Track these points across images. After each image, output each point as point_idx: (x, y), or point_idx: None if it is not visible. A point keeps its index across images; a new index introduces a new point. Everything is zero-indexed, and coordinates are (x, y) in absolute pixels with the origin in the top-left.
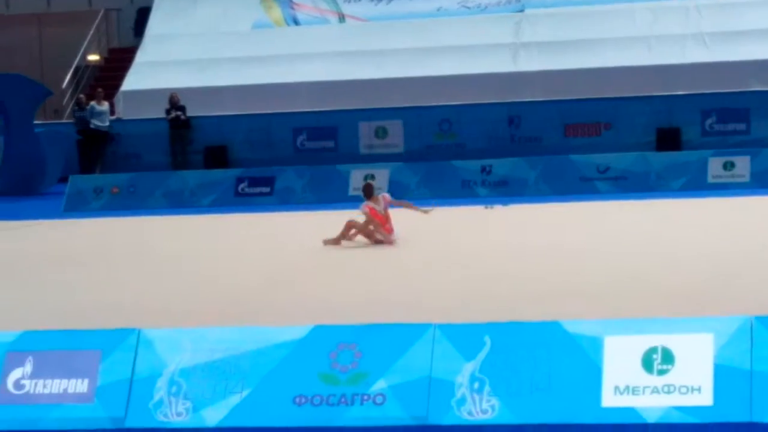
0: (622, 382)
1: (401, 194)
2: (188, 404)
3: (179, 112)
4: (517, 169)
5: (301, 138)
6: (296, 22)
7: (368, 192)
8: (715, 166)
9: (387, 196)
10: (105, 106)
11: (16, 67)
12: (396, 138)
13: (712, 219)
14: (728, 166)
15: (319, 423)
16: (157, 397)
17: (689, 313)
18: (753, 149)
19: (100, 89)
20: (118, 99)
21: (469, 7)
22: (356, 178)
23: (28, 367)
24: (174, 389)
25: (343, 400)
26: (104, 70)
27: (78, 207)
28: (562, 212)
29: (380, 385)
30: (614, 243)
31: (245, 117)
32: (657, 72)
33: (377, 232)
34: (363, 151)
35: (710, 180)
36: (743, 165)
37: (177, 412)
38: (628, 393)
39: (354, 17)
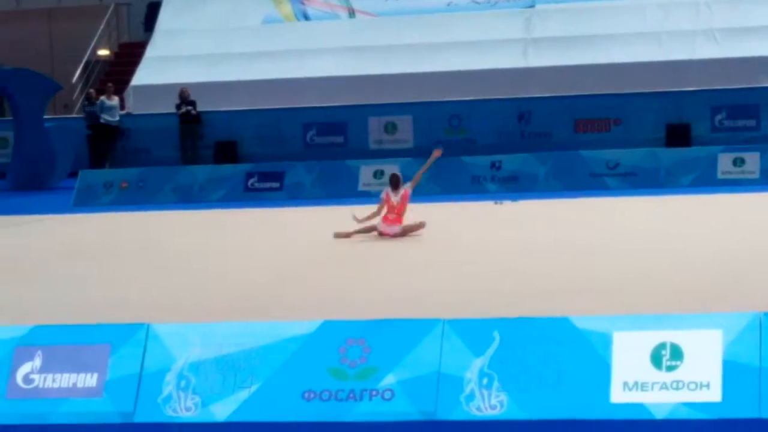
0: (631, 378)
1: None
2: (197, 399)
3: (190, 107)
4: (527, 165)
5: (310, 133)
6: (306, 17)
7: (393, 182)
8: (724, 162)
9: (408, 192)
10: (115, 100)
11: (27, 62)
12: (405, 133)
13: (721, 215)
14: (738, 162)
15: (328, 418)
16: (165, 392)
17: (698, 309)
18: (763, 145)
19: (110, 84)
20: (128, 94)
21: (479, 3)
22: (366, 173)
23: (38, 362)
24: (183, 384)
25: (351, 395)
26: (114, 65)
27: (88, 202)
28: (571, 208)
29: (389, 380)
30: (623, 239)
31: (255, 112)
32: (667, 68)
33: (380, 220)
34: (372, 146)
35: (720, 176)
36: (753, 161)
37: (186, 407)
38: (636, 389)
39: (364, 12)
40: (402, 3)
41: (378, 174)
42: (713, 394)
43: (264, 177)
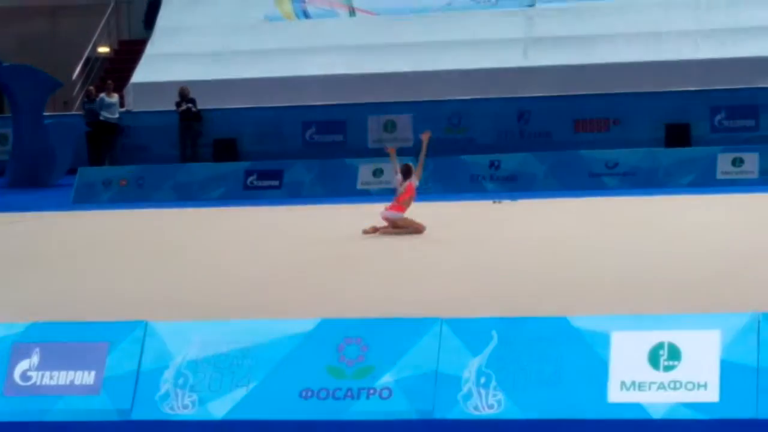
0: (629, 377)
1: None
2: (194, 397)
3: (190, 105)
4: (526, 164)
5: (310, 131)
6: (307, 16)
7: (404, 172)
8: (724, 163)
9: (412, 184)
10: (115, 98)
11: (27, 59)
12: (405, 132)
13: (720, 215)
14: (737, 162)
15: (325, 417)
16: (163, 390)
17: (696, 310)
18: (762, 146)
19: (110, 81)
20: (128, 91)
21: (479, 2)
22: (365, 172)
23: (35, 359)
24: (180, 382)
25: (349, 393)
26: (114, 62)
27: (87, 199)
28: (570, 207)
29: (387, 379)
30: (622, 239)
31: (254, 110)
32: (667, 68)
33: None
34: (372, 145)
35: (719, 176)
36: (752, 161)
37: (183, 405)
38: (634, 389)
39: (364, 11)
40: (402, 2)
41: (377, 172)
42: (711, 395)
43: (263, 175)
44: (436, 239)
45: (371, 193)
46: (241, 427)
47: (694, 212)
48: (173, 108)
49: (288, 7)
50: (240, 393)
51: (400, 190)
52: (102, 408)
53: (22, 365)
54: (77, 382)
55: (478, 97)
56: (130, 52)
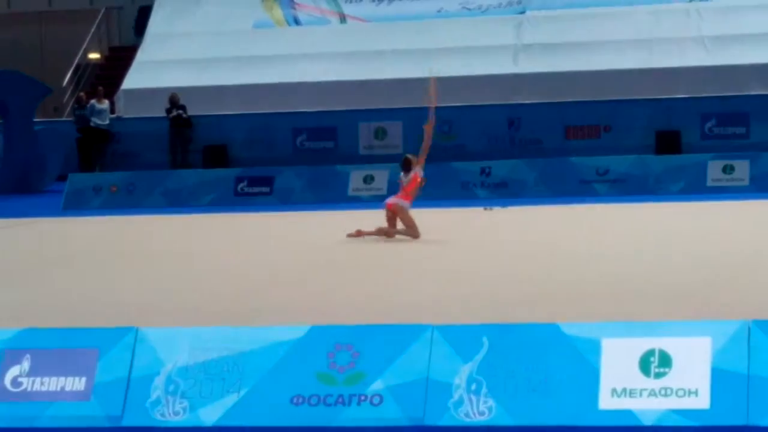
0: (620, 384)
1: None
2: (185, 403)
3: (180, 111)
4: (517, 171)
5: (300, 138)
6: (297, 22)
7: (404, 165)
8: (714, 170)
9: (418, 175)
10: (105, 104)
11: (17, 65)
12: (395, 139)
13: (711, 222)
14: (728, 169)
15: (316, 423)
16: (154, 396)
17: (687, 317)
18: (752, 153)
19: (100, 87)
20: (119, 97)
21: (469, 9)
22: (355, 178)
23: (26, 365)
24: (171, 388)
25: (340, 400)
26: (105, 69)
27: (77, 205)
28: (561, 214)
29: (377, 385)
30: (613, 246)
31: (245, 116)
32: (657, 75)
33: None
34: (362, 151)
35: (709, 183)
36: (743, 169)
37: (174, 411)
38: (625, 395)
39: (355, 18)
40: (393, 9)
41: (368, 179)
42: (701, 401)
43: (254, 181)
44: (426, 246)
45: (362, 200)
46: None
47: (684, 219)
48: (164, 114)
49: (279, 14)
50: (231, 399)
51: (405, 180)
52: (92, 414)
53: (13, 371)
54: (68, 388)
55: (469, 103)
56: (120, 58)
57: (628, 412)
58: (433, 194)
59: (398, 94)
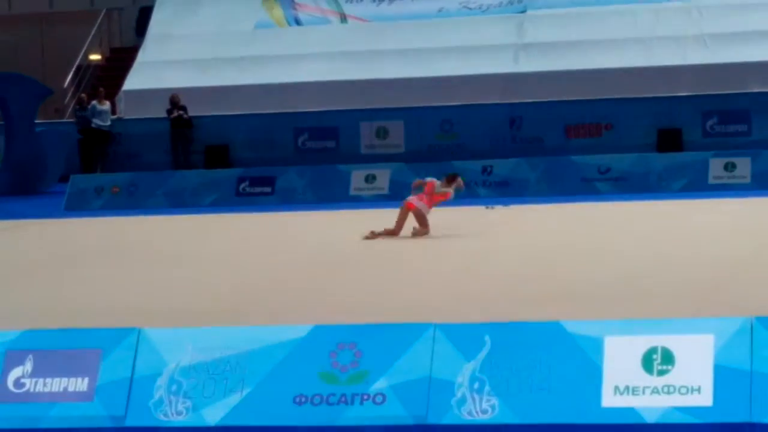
0: (622, 382)
1: (402, 193)
2: (188, 403)
3: (181, 111)
4: (518, 170)
5: (302, 138)
6: (298, 23)
7: (449, 177)
8: (716, 168)
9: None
10: (106, 105)
11: (19, 67)
12: (397, 138)
13: (712, 220)
14: (729, 167)
15: (319, 422)
16: (157, 396)
17: (689, 314)
18: (754, 150)
19: (101, 89)
20: (120, 98)
21: (470, 8)
22: (357, 178)
23: (29, 366)
24: (174, 388)
25: (343, 399)
26: (106, 70)
27: (79, 206)
28: (562, 213)
29: (380, 384)
30: (615, 244)
31: (246, 117)
32: (658, 73)
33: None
34: (364, 151)
35: (711, 181)
36: (744, 166)
37: (177, 411)
38: (628, 393)
39: (356, 18)
40: (393, 8)
41: (369, 178)
42: (704, 399)
43: (255, 182)
44: (428, 245)
45: (364, 199)
46: None
47: (686, 217)
48: (165, 115)
49: (279, 14)
50: (234, 399)
51: (425, 184)
52: (96, 414)
53: (16, 372)
54: (71, 389)
55: (470, 103)
56: (121, 59)
57: (631, 410)
58: None
59: (399, 93)
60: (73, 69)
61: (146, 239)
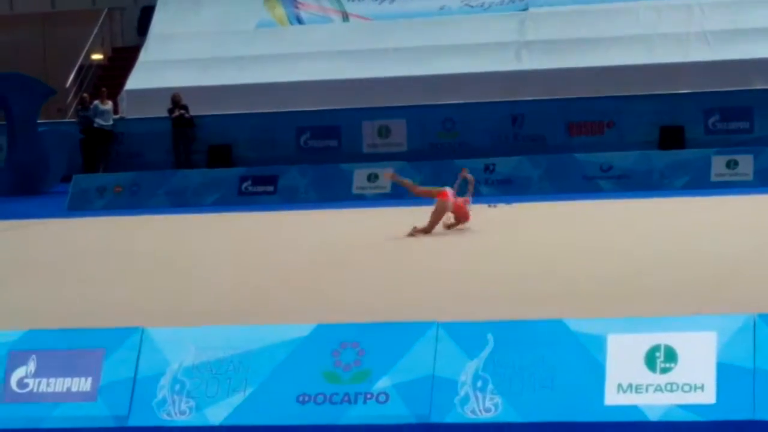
0: (625, 380)
1: (403, 192)
2: (191, 403)
3: (182, 111)
4: (521, 168)
5: (304, 137)
6: (300, 21)
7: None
8: (718, 165)
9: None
10: (108, 105)
11: (20, 67)
12: (399, 137)
13: (715, 217)
14: (731, 164)
15: (323, 421)
16: (160, 396)
17: (692, 312)
18: (756, 147)
19: (103, 88)
20: (122, 98)
21: (472, 6)
22: (359, 177)
23: (32, 366)
24: (177, 388)
25: (346, 398)
26: (108, 69)
27: (81, 206)
28: (565, 211)
29: (383, 383)
30: (617, 241)
31: (249, 116)
32: (660, 70)
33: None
34: (366, 150)
35: (713, 178)
36: (746, 163)
37: (180, 411)
38: (631, 391)
39: (358, 16)
40: (395, 7)
41: (372, 177)
42: (707, 396)
43: (258, 181)
44: (431, 243)
45: (366, 198)
46: None
47: (688, 215)
48: (167, 114)
49: (281, 13)
50: (237, 398)
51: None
52: (99, 414)
53: (19, 372)
54: (74, 389)
55: (472, 101)
56: (123, 59)
57: (634, 408)
58: None
59: (402, 92)
60: (75, 69)
61: (149, 239)
